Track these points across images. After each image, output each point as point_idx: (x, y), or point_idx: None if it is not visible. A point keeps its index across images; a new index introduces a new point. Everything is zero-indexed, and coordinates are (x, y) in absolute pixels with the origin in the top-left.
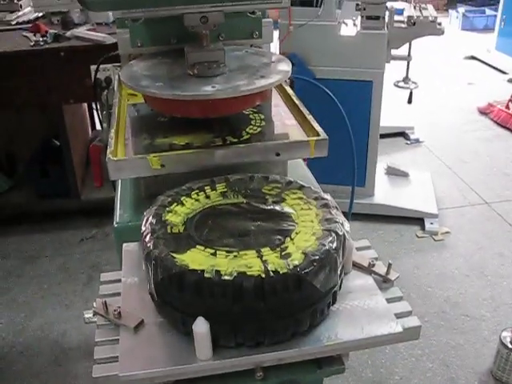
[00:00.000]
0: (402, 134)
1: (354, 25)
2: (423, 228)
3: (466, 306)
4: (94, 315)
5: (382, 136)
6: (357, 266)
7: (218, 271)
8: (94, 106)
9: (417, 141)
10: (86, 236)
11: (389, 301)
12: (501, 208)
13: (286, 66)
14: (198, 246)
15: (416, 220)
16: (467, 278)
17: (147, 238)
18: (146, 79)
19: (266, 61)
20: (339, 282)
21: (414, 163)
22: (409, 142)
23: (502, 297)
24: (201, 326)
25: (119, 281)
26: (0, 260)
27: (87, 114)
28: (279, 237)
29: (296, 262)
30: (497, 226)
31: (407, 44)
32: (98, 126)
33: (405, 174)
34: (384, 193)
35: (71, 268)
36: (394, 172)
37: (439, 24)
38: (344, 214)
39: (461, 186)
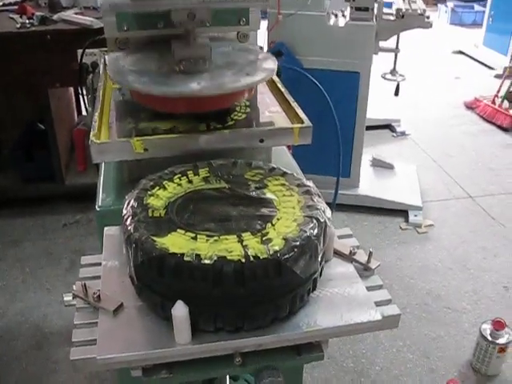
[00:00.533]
0: (388, 126)
1: (343, 16)
2: (407, 220)
3: (448, 299)
4: (73, 298)
5: (368, 128)
6: (338, 254)
7: (198, 255)
8: (80, 91)
9: (403, 133)
10: (69, 221)
11: (369, 289)
12: (485, 202)
13: (271, 64)
14: (178, 230)
15: (400, 212)
16: (450, 271)
17: (128, 221)
18: (133, 74)
19: (252, 58)
20: (320, 268)
21: (400, 156)
22: (395, 135)
23: (483, 290)
24: (180, 310)
25: (100, 264)
26: None
27: (73, 99)
28: (260, 222)
29: (276, 248)
30: (480, 219)
31: (395, 36)
32: (84, 112)
33: (390, 166)
34: (369, 184)
35: (54, 253)
36: (379, 164)
37: (427, 17)
38: (328, 204)
39: (446, 179)
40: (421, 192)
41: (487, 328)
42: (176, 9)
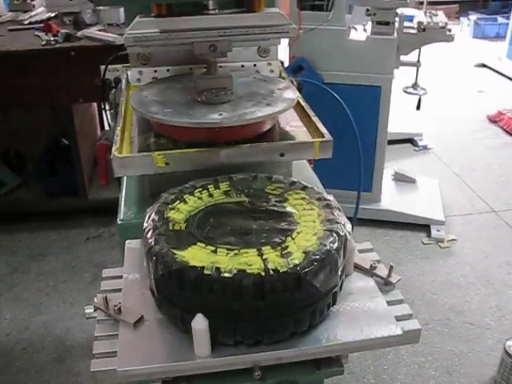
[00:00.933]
0: (410, 140)
1: (364, 30)
2: (429, 235)
3: (471, 314)
4: (94, 310)
5: (390, 142)
6: (358, 268)
7: (217, 268)
8: (103, 106)
9: (425, 148)
10: (92, 235)
11: (389, 303)
12: (508, 216)
13: (291, 94)
14: (198, 243)
15: (422, 227)
16: (473, 286)
17: (149, 235)
18: (156, 105)
19: (272, 88)
20: (340, 282)
21: (422, 170)
22: (417, 149)
23: (507, 306)
24: (200, 323)
25: (121, 277)
26: (7, 257)
27: (96, 114)
28: (280, 236)
29: (296, 261)
30: (504, 234)
31: (417, 50)
32: (107, 127)
33: (412, 181)
34: (391, 199)
35: (77, 266)
36: (401, 178)
37: (449, 30)
38: (349, 218)
39: (468, 193)
40: (443, 206)
41: None
42: (198, 42)
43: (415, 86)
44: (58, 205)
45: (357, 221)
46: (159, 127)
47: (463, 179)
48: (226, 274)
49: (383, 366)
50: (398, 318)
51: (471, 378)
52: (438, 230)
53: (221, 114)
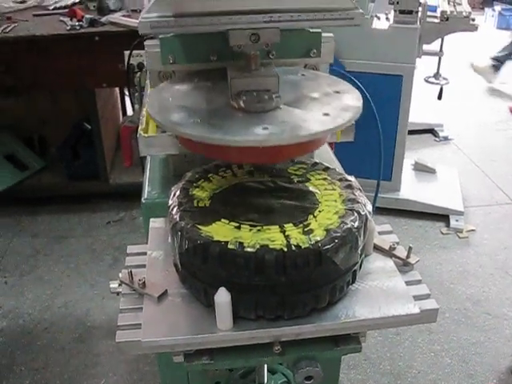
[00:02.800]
0: (430, 131)
1: (387, 19)
2: (448, 225)
3: (489, 305)
4: (119, 285)
5: (411, 132)
6: (378, 249)
7: (241, 243)
8: (126, 92)
9: (446, 138)
10: (113, 219)
11: (408, 283)
12: None
13: (355, 100)
14: (222, 220)
15: (441, 217)
16: (491, 277)
17: (174, 211)
18: (179, 112)
19: (328, 90)
20: (359, 261)
21: (442, 160)
22: (438, 140)
23: None
24: (222, 296)
25: (145, 254)
26: (29, 238)
27: (119, 100)
28: (302, 214)
29: (318, 238)
30: None
31: (440, 39)
32: (129, 113)
33: (432, 171)
34: (410, 188)
35: (98, 249)
36: (421, 168)
37: (473, 20)
38: None
39: (489, 184)
40: (463, 197)
41: None
42: (236, 29)
43: (437, 75)
44: (80, 188)
45: (376, 209)
46: (184, 142)
47: (483, 170)
48: (249, 249)
49: (399, 353)
50: (416, 298)
51: (487, 366)
52: (457, 220)
53: (266, 128)
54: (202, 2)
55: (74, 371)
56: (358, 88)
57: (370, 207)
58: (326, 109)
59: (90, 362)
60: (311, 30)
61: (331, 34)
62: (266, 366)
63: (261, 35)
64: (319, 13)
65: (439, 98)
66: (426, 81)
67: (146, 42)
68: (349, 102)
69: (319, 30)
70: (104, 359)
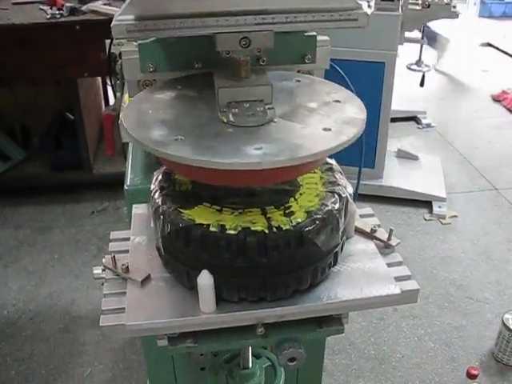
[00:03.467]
0: (413, 118)
1: (369, 6)
2: (431, 211)
3: (471, 289)
4: (102, 271)
5: (394, 120)
6: (359, 232)
7: (222, 226)
8: (108, 81)
9: (428, 126)
10: (97, 209)
11: (389, 265)
12: (510, 194)
13: (359, 111)
14: (204, 203)
15: (424, 203)
16: (473, 262)
17: (156, 195)
18: (160, 128)
19: (327, 99)
20: (341, 243)
21: (425, 148)
22: (420, 127)
23: (507, 281)
24: (205, 279)
25: (128, 239)
26: (13, 230)
27: (101, 89)
28: (284, 197)
29: (299, 220)
30: (505, 211)
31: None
32: (112, 102)
33: (415, 158)
34: (393, 175)
35: (82, 239)
36: (404, 155)
37: (454, 7)
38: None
39: (471, 171)
40: (445, 183)
41: (510, 318)
42: (223, 32)
43: (419, 62)
44: (63, 179)
45: (359, 196)
46: (168, 164)
47: (466, 157)
48: (231, 232)
49: (383, 338)
50: (397, 279)
51: (469, 350)
52: (440, 207)
53: (260, 148)
54: (184, 1)
55: (60, 361)
56: (339, 75)
57: (350, 189)
58: (327, 122)
59: (75, 352)
60: (305, 33)
61: (327, 37)
62: (250, 350)
63: (252, 39)
64: (318, 13)
65: (421, 85)
66: (409, 68)
67: (122, 49)
68: (351, 113)
69: (314, 33)
70: (90, 348)
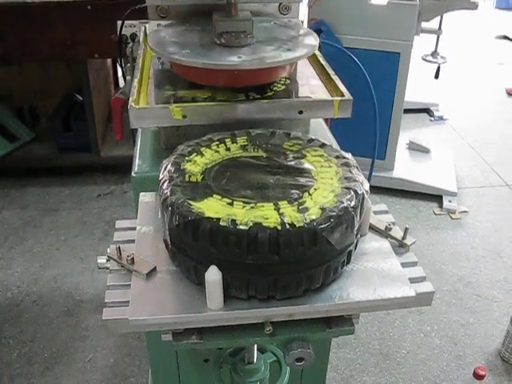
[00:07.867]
0: (426, 110)
1: None
2: (441, 205)
3: (479, 286)
4: (107, 261)
5: (406, 111)
6: (373, 229)
7: (233, 220)
8: (118, 63)
9: (441, 118)
10: (104, 192)
11: (404, 265)
12: None
13: (312, 40)
14: (215, 196)
15: (434, 197)
16: (482, 259)
17: (164, 185)
18: (173, 46)
19: (293, 34)
20: (355, 241)
21: (437, 141)
22: (433, 119)
23: None
24: (213, 275)
25: (134, 229)
26: (19, 210)
27: (111, 72)
28: (298, 192)
29: (313, 217)
30: None
31: (439, 17)
32: (122, 84)
33: (426, 150)
34: (404, 167)
35: (88, 222)
36: (415, 147)
37: None
38: None
39: (483, 166)
40: (456, 178)
41: None
42: None
43: (435, 54)
44: (71, 161)
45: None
46: (177, 68)
47: (478, 152)
48: (242, 227)
49: (389, 333)
50: (412, 280)
51: (476, 348)
52: (450, 201)
53: (240, 57)
54: None
55: (62, 345)
56: (353, 64)
57: (367, 186)
58: (289, 46)
59: (78, 336)
60: None
61: None
62: (256, 345)
63: None
64: None
65: (436, 76)
66: (424, 59)
67: None
68: (308, 41)
69: None
70: (92, 333)
